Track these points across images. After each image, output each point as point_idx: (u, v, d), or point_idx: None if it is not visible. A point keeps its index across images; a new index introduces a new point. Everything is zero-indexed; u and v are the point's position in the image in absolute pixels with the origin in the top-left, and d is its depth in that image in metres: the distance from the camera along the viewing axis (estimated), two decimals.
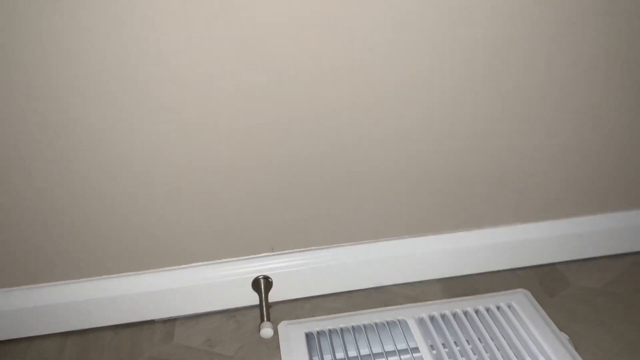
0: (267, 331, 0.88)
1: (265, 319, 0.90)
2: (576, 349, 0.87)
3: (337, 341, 0.92)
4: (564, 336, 0.89)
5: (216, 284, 0.97)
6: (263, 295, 0.96)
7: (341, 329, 0.93)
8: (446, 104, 0.88)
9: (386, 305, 1.00)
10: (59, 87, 0.75)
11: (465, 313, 0.96)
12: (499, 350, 0.88)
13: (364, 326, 0.93)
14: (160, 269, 0.95)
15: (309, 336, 0.93)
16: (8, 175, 0.81)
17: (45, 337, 0.97)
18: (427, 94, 0.86)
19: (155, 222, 0.90)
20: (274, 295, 1.00)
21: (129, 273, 0.95)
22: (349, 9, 0.77)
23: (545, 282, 1.04)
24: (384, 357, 0.88)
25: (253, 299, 1.00)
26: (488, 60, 0.85)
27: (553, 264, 1.09)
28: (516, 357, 0.86)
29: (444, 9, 0.79)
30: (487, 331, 0.92)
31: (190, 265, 0.96)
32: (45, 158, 0.80)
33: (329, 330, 0.93)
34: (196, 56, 0.77)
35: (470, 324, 0.93)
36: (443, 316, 0.95)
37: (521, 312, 0.95)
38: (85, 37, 0.73)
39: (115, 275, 0.94)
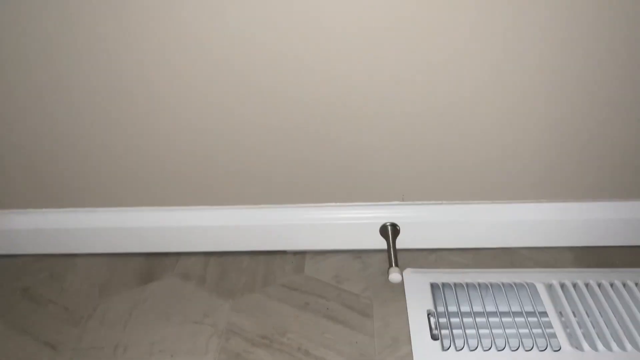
0: (395, 276, 0.91)
1: (393, 264, 0.94)
2: None
3: (462, 295, 0.94)
4: None
5: (346, 225, 1.02)
6: (391, 241, 0.99)
7: (467, 284, 0.95)
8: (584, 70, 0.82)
9: (513, 267, 0.99)
10: None
11: (599, 285, 0.93)
12: (634, 326, 0.85)
13: (490, 284, 0.94)
14: (296, 205, 1.01)
15: (433, 286, 0.95)
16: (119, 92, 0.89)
17: (190, 254, 1.08)
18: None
19: (295, 162, 0.95)
20: (399, 243, 1.03)
21: (267, 205, 1.01)
22: None
23: None
24: (510, 316, 0.89)
25: (378, 243, 1.03)
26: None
27: None
28: None
29: None
30: (622, 305, 0.89)
31: (324, 204, 1.01)
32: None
33: (454, 284, 0.95)
34: None
35: (604, 296, 0.91)
36: (574, 285, 0.93)
37: None
38: None
39: (255, 206, 1.01)
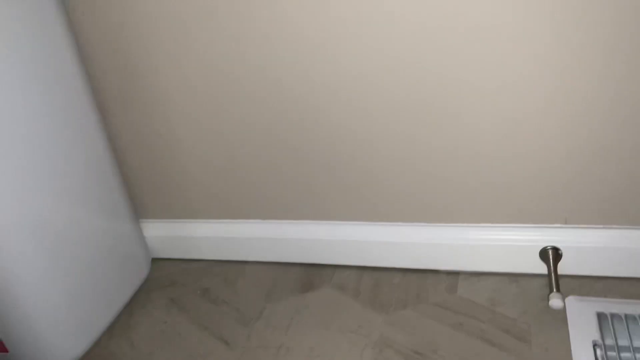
0: (557, 302, 0.87)
1: (554, 290, 0.89)
2: None
3: (635, 328, 0.86)
4: None
5: (502, 247, 1.00)
6: (552, 265, 0.95)
7: None
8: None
9: None
10: None
11: None
12: None
13: None
14: (452, 224, 1.02)
15: (600, 316, 0.89)
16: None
17: (345, 267, 1.14)
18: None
19: (451, 179, 0.96)
20: (561, 269, 0.98)
21: (422, 223, 1.03)
22: None
23: None
24: None
25: (537, 267, 0.99)
26: None
27: None
28: None
29: None
30: None
31: (481, 224, 1.00)
32: None
33: (626, 315, 0.88)
34: None
35: None
36: None
37: None
38: None
39: (410, 223, 1.04)
